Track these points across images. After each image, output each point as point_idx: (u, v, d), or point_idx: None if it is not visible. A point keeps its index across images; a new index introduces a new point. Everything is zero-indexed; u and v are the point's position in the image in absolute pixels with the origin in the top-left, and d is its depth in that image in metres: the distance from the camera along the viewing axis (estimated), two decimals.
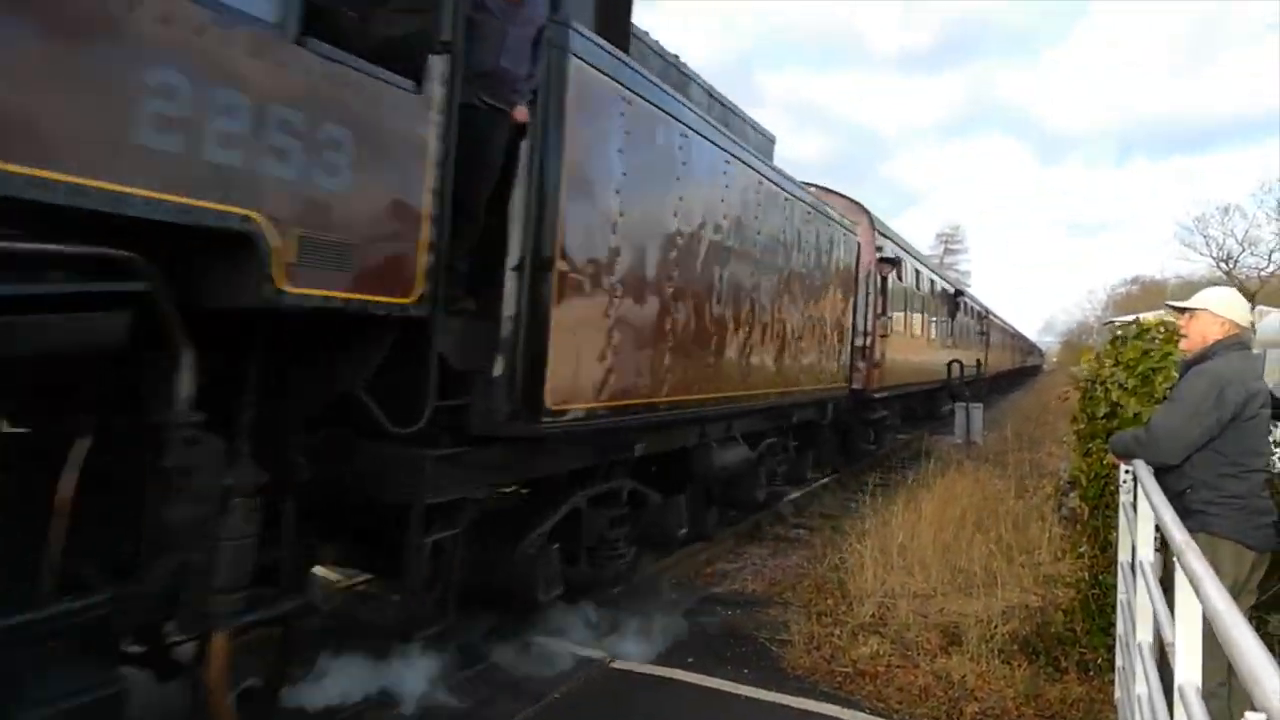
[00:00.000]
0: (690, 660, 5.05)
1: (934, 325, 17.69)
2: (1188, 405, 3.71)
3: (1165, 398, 4.20)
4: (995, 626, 5.35)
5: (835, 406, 10.59)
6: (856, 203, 12.47)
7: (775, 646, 5.33)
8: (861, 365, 11.47)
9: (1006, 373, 37.45)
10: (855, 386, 11.14)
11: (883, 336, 12.40)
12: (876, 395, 12.38)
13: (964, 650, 5.17)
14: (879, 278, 12.38)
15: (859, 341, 11.25)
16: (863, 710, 4.48)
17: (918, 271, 16.16)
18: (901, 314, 14.23)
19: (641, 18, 5.58)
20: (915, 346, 15.52)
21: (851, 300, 10.66)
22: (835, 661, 5.08)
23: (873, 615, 5.72)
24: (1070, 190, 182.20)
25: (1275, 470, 4.07)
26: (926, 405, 18.88)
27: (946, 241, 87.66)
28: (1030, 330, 76.17)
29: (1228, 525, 3.55)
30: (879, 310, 12.25)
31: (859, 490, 9.72)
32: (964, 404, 14.93)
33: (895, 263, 13.07)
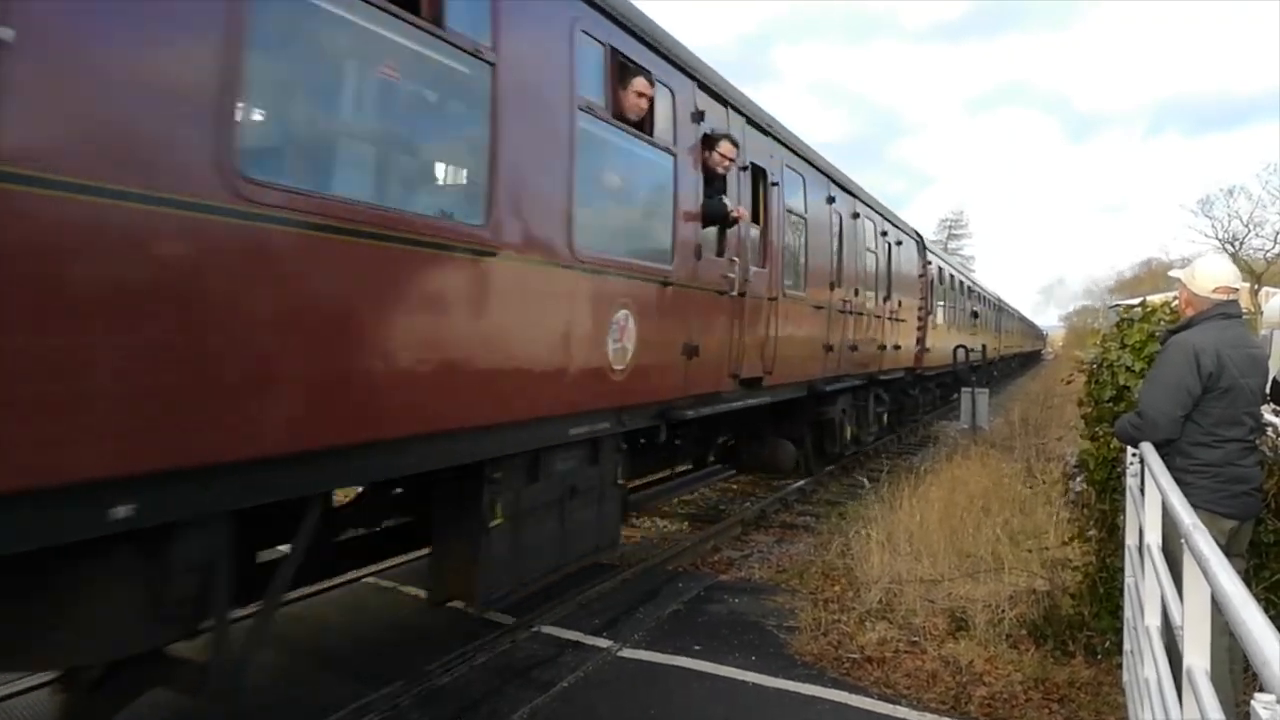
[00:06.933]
0: (697, 648, 5.06)
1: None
2: (1165, 379, 3.70)
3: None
4: (1003, 611, 5.34)
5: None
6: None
7: (782, 633, 5.34)
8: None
9: (1012, 356, 40.91)
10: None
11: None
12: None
13: (971, 635, 5.17)
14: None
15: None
16: (870, 696, 4.48)
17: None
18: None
19: None
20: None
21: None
22: (842, 648, 5.08)
23: (880, 601, 5.72)
24: (1097, 169, 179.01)
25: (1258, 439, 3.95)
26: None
27: (951, 227, 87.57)
28: (1024, 308, 75.34)
29: (1200, 495, 3.50)
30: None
31: (865, 476, 9.72)
32: (970, 390, 15.01)
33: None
